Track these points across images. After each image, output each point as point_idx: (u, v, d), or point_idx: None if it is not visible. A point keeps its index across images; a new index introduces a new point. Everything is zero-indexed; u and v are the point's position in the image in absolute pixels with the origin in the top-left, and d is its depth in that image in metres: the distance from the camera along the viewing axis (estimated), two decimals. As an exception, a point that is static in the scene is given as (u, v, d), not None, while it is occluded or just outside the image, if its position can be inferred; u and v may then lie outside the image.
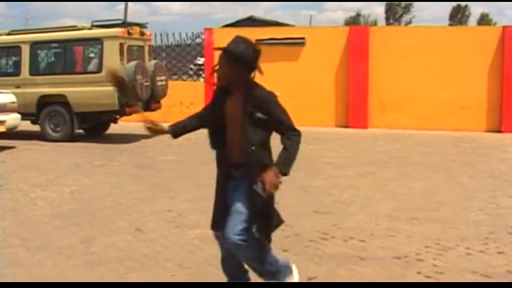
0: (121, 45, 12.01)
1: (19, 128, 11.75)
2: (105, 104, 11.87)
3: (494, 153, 10.77)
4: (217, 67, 3.47)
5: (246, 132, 3.39)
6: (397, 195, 7.17)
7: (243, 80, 3.46)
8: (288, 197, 7.05)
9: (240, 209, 3.43)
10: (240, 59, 3.39)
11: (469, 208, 6.50)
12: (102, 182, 8.10)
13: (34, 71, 12.66)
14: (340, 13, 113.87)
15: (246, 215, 3.41)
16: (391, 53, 14.48)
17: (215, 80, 3.51)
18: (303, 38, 15.15)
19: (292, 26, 25.00)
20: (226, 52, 3.41)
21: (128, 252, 4.97)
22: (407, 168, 9.09)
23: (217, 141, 3.56)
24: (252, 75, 3.50)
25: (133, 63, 11.87)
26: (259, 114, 3.39)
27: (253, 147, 3.40)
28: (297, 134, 3.48)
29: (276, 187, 3.27)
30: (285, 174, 3.34)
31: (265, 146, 3.51)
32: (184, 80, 17.25)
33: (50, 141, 12.08)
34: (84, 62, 12.86)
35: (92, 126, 13.04)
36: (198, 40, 16.75)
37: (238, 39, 3.44)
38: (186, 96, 15.45)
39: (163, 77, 12.96)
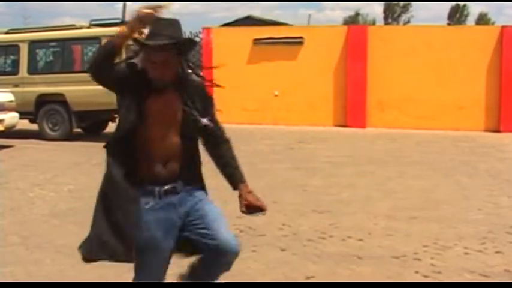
0: (119, 44, 11.99)
1: (17, 127, 11.75)
2: (104, 102, 11.83)
3: (492, 152, 10.78)
4: (158, 63, 2.69)
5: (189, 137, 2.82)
6: (396, 194, 7.17)
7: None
8: (286, 196, 7.07)
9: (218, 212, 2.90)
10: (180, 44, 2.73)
11: (467, 207, 6.50)
12: (100, 181, 8.08)
13: (32, 69, 12.66)
14: (338, 12, 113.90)
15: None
16: (389, 52, 14.50)
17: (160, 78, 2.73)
18: (301, 38, 15.17)
19: (291, 25, 24.99)
20: (178, 43, 2.70)
21: (126, 251, 4.96)
22: (405, 167, 9.09)
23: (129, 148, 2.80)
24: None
25: (131, 62, 11.86)
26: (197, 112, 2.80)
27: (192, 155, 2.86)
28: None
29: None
30: None
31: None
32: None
33: (48, 140, 12.08)
34: (83, 61, 12.85)
35: (90, 125, 13.03)
36: (197, 39, 16.74)
37: (165, 22, 2.74)
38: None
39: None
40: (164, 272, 2.89)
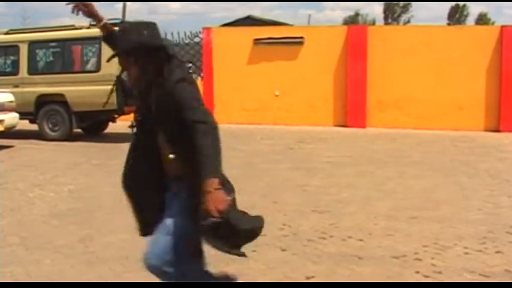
0: (119, 44, 11.99)
1: (17, 127, 11.74)
2: (104, 103, 11.84)
3: (492, 152, 10.78)
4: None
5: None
6: (396, 195, 7.17)
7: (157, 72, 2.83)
8: (286, 196, 7.07)
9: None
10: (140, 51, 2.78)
11: (467, 207, 6.50)
12: (101, 181, 8.09)
13: (32, 70, 12.66)
14: (338, 12, 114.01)
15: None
16: (389, 52, 14.50)
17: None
18: (302, 38, 15.17)
19: (291, 25, 24.99)
20: (121, 52, 2.81)
21: (126, 251, 4.96)
22: (405, 167, 9.09)
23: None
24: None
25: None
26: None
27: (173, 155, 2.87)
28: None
29: (224, 203, 2.55)
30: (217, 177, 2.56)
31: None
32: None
33: (48, 141, 12.07)
34: (82, 61, 12.85)
35: (90, 125, 13.03)
36: (197, 39, 16.75)
37: (125, 28, 2.88)
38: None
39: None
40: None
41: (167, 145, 2.87)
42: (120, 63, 2.82)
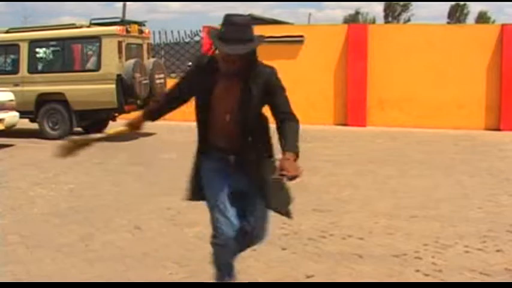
0: (119, 43, 11.99)
1: (17, 126, 11.74)
2: (104, 101, 11.87)
3: (493, 151, 10.77)
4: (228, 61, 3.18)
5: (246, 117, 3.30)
6: (396, 193, 7.17)
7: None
8: (286, 195, 7.07)
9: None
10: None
11: (467, 206, 6.50)
12: (101, 180, 8.10)
13: (32, 69, 12.66)
14: (338, 11, 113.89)
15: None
16: (389, 51, 14.48)
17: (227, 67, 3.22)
18: (302, 36, 15.15)
19: (291, 24, 24.97)
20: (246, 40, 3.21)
21: (127, 250, 4.97)
22: (406, 166, 9.09)
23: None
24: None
25: (131, 61, 11.87)
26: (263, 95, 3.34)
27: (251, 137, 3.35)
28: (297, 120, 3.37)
29: (299, 170, 3.09)
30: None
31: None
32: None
33: (49, 139, 12.06)
34: (83, 60, 12.85)
35: (91, 124, 13.03)
36: (197, 38, 16.76)
37: (237, 19, 3.22)
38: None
39: (161, 75, 12.96)
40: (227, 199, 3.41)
41: (239, 125, 3.28)
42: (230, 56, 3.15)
